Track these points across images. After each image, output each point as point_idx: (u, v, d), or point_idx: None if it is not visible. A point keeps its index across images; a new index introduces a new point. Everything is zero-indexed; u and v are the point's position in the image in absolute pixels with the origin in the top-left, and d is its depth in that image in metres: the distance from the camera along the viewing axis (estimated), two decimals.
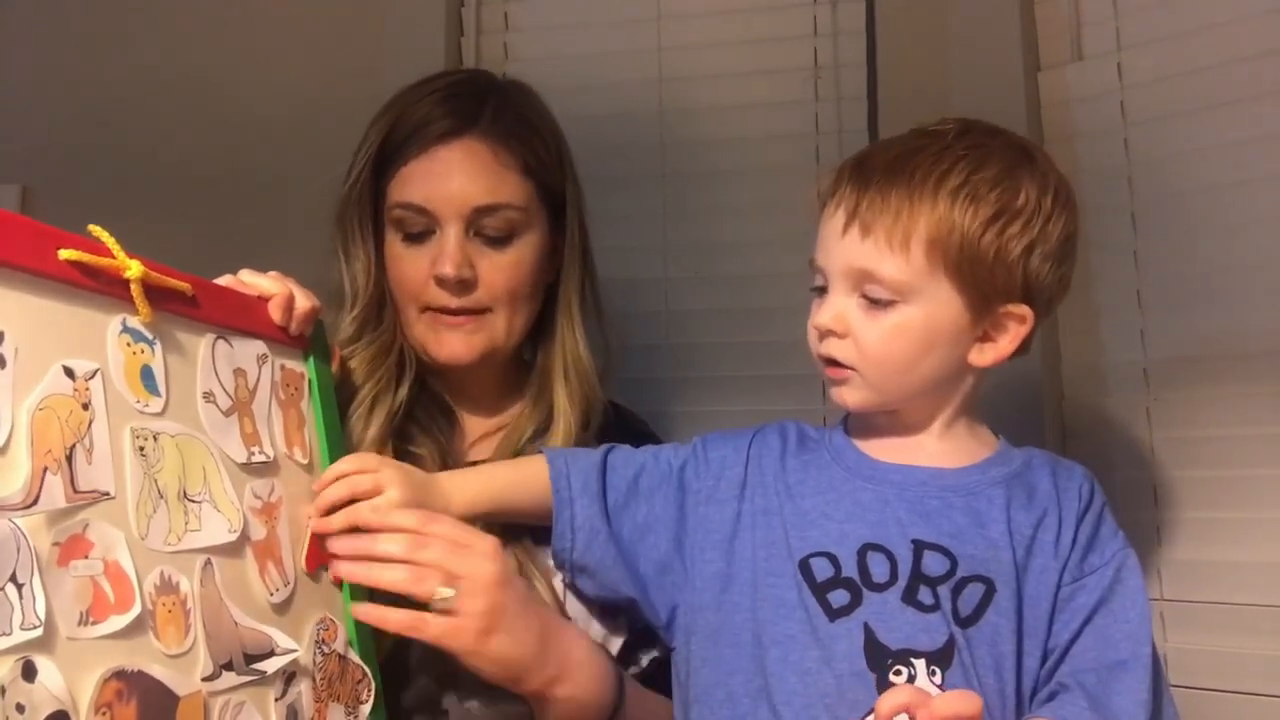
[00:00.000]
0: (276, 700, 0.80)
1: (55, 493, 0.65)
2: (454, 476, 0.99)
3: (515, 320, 1.09)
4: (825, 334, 0.89)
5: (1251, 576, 1.19)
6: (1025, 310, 0.86)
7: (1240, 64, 1.26)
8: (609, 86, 1.59)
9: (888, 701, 0.75)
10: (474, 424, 1.15)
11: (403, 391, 1.08)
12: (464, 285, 1.05)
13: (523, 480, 0.99)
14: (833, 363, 0.89)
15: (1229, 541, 1.22)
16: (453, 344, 1.07)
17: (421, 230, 1.06)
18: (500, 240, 1.06)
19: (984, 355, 0.88)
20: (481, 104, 1.08)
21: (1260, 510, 1.21)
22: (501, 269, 1.06)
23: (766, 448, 0.96)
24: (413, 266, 1.06)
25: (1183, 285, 1.29)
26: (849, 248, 0.86)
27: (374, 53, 1.64)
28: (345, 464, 0.91)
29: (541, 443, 1.08)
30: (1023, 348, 0.89)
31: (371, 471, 0.90)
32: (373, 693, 0.90)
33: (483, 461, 1.09)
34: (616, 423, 1.16)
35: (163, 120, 1.68)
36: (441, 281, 1.04)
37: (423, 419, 1.10)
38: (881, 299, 0.85)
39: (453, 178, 1.04)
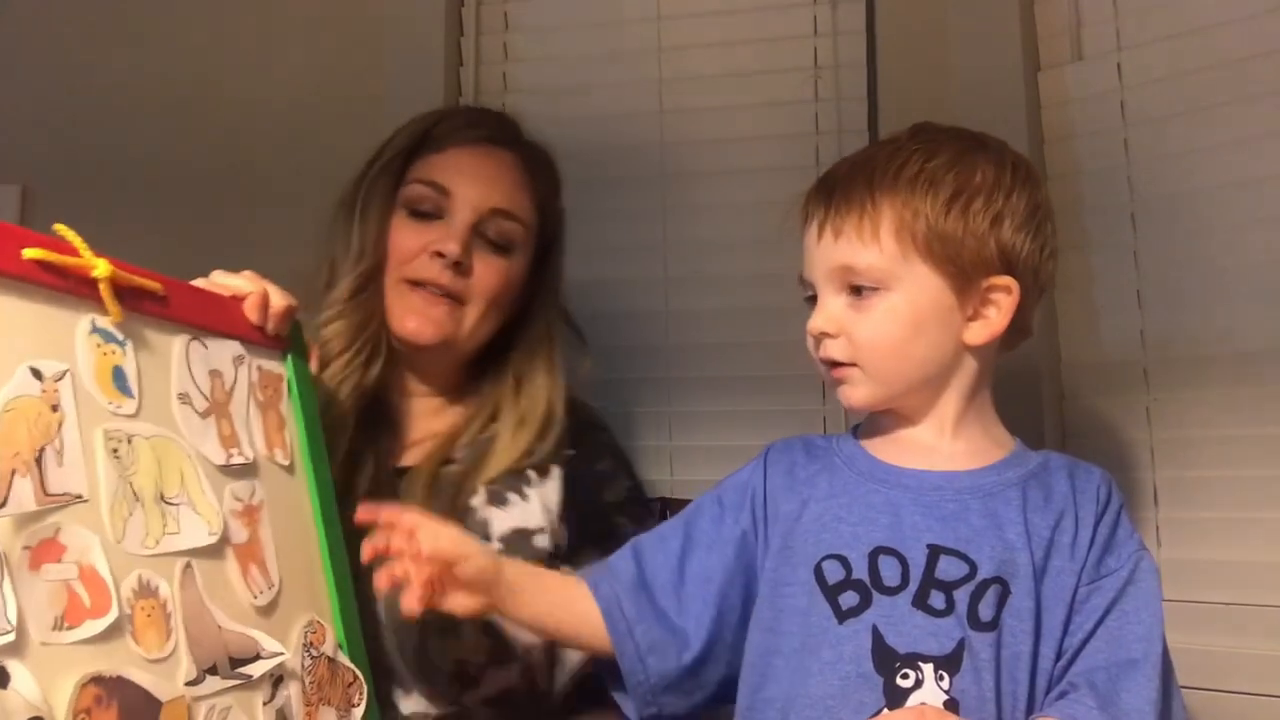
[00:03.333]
0: (265, 704, 0.79)
1: (24, 495, 0.64)
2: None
3: (483, 324, 1.12)
4: (820, 336, 0.90)
5: (1251, 576, 1.19)
6: (1009, 281, 0.87)
7: (1240, 64, 1.25)
8: (609, 86, 1.59)
9: None
10: (415, 427, 1.16)
11: (375, 369, 1.11)
12: (459, 269, 1.09)
13: (562, 594, 0.95)
14: (833, 364, 0.90)
15: (1229, 541, 1.22)
16: (417, 320, 1.10)
17: (431, 210, 1.11)
18: (499, 247, 1.12)
19: (977, 334, 0.89)
20: (519, 132, 1.18)
21: (1260, 510, 1.21)
22: (494, 271, 1.11)
23: (777, 463, 0.97)
24: (412, 239, 1.10)
25: (1183, 285, 1.29)
26: (826, 251, 0.89)
27: (374, 53, 1.64)
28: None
29: (473, 445, 1.10)
30: (1019, 325, 0.90)
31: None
32: (364, 696, 0.90)
33: (408, 467, 1.10)
34: (568, 420, 1.16)
35: (163, 120, 1.68)
36: (439, 256, 1.08)
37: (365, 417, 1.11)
38: (865, 286, 0.88)
39: (481, 175, 1.12)
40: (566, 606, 0.94)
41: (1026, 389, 1.32)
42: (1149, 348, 1.31)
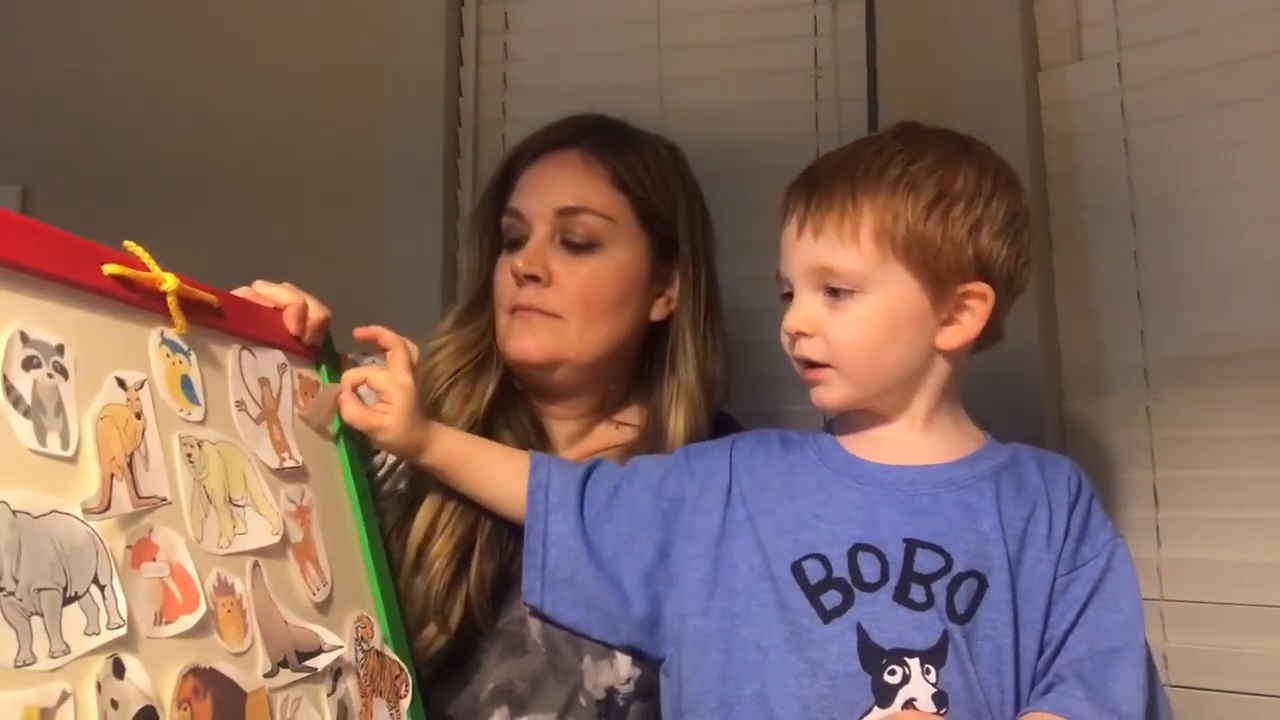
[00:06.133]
0: (328, 696, 0.83)
1: (123, 498, 0.68)
2: (447, 429, 1.02)
3: (589, 335, 1.07)
4: (796, 336, 0.90)
5: (1251, 576, 1.19)
6: (984, 288, 0.88)
7: (1240, 64, 1.25)
8: (609, 87, 1.59)
9: None
10: (567, 452, 1.13)
11: (491, 382, 1.09)
12: (536, 283, 1.06)
13: (505, 471, 1.00)
14: (808, 364, 0.91)
15: (1229, 541, 1.22)
16: (521, 339, 1.07)
17: (519, 237, 1.09)
18: (581, 248, 1.07)
19: (950, 338, 0.89)
20: (594, 127, 1.12)
21: (1260, 510, 1.21)
22: (576, 275, 1.06)
23: (750, 453, 0.97)
24: (505, 271, 1.09)
25: (1183, 285, 1.29)
26: (805, 249, 0.89)
27: (374, 53, 1.64)
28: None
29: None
30: (992, 331, 0.90)
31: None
32: (410, 688, 0.93)
33: None
34: (719, 432, 1.14)
35: (162, 120, 1.68)
36: (515, 274, 1.07)
37: (512, 418, 1.10)
38: (842, 288, 0.88)
39: (542, 183, 1.09)
40: (504, 482, 1.00)
41: (1026, 389, 1.32)
42: (1149, 348, 1.31)
